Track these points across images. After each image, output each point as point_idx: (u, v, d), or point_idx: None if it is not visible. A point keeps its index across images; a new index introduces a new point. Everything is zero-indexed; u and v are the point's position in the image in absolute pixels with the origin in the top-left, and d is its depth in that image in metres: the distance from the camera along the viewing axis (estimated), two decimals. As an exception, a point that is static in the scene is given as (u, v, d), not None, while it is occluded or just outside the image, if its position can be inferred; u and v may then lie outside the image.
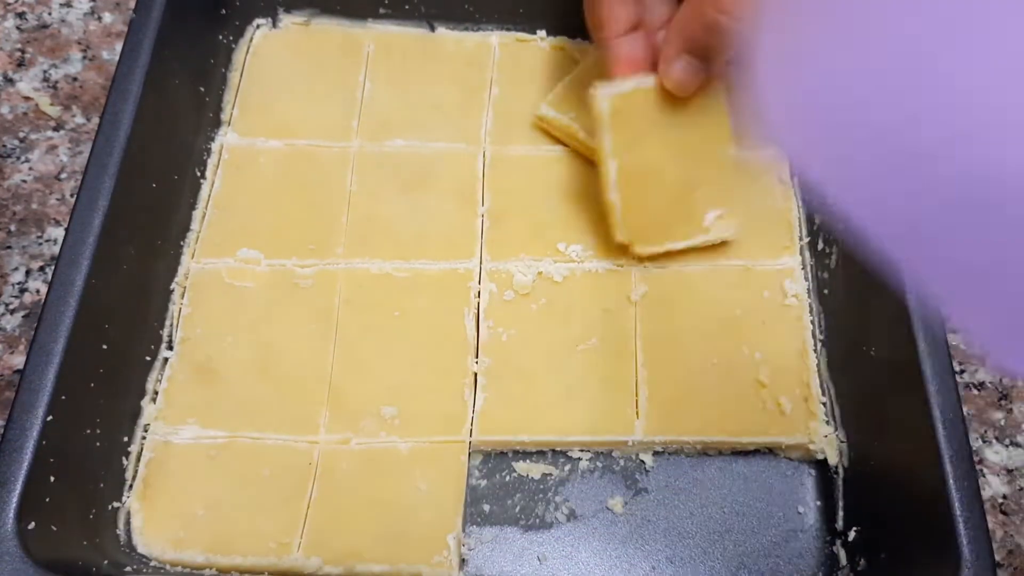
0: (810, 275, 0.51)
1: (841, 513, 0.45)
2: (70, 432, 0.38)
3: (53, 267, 0.41)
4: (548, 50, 0.59)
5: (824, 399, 0.47)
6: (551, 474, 0.46)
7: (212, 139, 0.53)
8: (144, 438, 0.44)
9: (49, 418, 0.37)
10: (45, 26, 0.59)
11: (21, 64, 0.58)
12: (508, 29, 0.59)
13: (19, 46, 0.58)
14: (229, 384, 0.46)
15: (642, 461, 0.46)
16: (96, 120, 0.54)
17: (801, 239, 0.53)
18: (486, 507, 0.45)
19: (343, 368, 0.47)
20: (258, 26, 0.57)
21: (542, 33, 0.59)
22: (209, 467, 0.43)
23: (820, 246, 0.51)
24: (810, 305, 0.50)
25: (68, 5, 0.60)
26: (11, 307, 0.50)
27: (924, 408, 0.40)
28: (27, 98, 0.56)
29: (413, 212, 0.52)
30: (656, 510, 0.45)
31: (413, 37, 0.59)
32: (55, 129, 0.55)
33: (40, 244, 0.52)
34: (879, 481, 0.43)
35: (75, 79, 0.57)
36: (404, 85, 0.57)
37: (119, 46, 0.47)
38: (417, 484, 0.44)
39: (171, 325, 0.47)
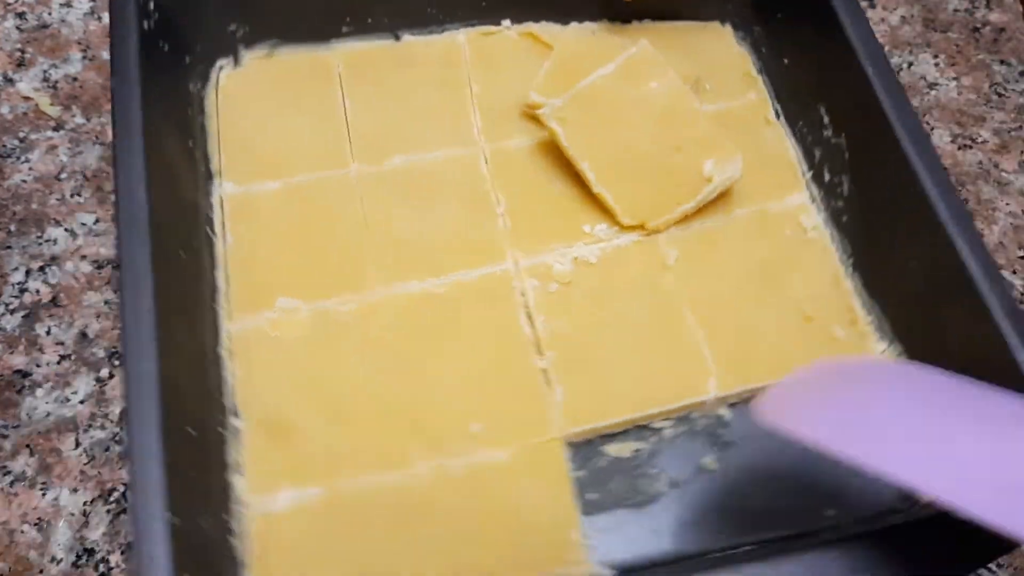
0: (822, 206, 0.54)
1: (913, 420, 0.47)
2: (189, 529, 0.36)
3: (121, 375, 0.38)
4: (516, 38, 0.58)
5: (871, 318, 0.50)
6: (640, 449, 0.47)
7: (210, 193, 0.51)
8: (244, 513, 0.42)
9: (174, 520, 0.35)
10: (45, 26, 0.59)
11: (21, 64, 0.58)
12: (472, 25, 0.58)
13: (19, 46, 0.59)
14: (308, 439, 0.44)
15: (720, 416, 0.48)
16: (96, 120, 0.56)
17: (804, 175, 0.55)
18: (591, 496, 0.46)
19: (416, 395, 0.46)
20: (221, 67, 0.55)
21: (507, 22, 0.58)
22: (318, 526, 0.42)
23: (827, 178, 0.53)
24: (830, 234, 0.53)
25: (68, 5, 0.60)
26: (11, 307, 0.50)
27: (979, 305, 0.43)
28: (27, 98, 0.57)
29: (433, 226, 0.51)
30: (747, 459, 0.47)
31: (380, 49, 0.57)
32: (55, 129, 0.55)
33: (40, 244, 0.52)
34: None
35: (75, 79, 0.57)
36: (384, 100, 0.56)
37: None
38: (525, 490, 0.44)
39: (231, 392, 0.45)
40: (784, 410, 0.37)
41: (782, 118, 0.57)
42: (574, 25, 0.59)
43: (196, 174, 0.50)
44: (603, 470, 0.46)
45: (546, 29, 0.59)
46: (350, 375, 0.46)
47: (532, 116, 0.55)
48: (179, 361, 0.41)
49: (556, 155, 0.54)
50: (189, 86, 0.52)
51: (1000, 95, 0.61)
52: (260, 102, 0.54)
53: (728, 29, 0.61)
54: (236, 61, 0.55)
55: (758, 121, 0.57)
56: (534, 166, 0.54)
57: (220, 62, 0.55)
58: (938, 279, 0.46)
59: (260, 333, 0.47)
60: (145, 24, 0.48)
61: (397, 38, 0.58)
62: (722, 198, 0.53)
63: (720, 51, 0.60)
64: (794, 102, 0.56)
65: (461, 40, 0.58)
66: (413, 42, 0.58)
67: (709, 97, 0.57)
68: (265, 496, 0.43)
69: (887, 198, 0.49)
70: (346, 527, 0.42)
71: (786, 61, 0.57)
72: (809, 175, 0.55)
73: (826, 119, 0.53)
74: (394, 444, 0.45)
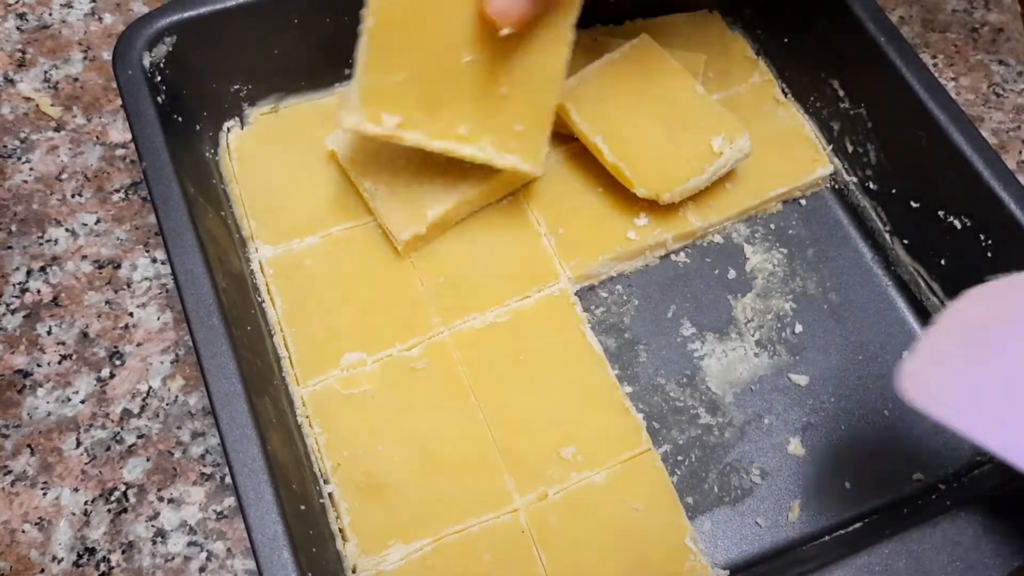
0: (848, 176, 0.55)
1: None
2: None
3: (226, 472, 0.37)
4: (518, 55, 0.58)
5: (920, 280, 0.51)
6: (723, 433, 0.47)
7: (249, 259, 0.49)
8: (361, 579, 0.41)
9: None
10: (46, 26, 0.59)
11: (22, 64, 0.58)
12: (472, 48, 0.58)
13: (20, 46, 0.59)
14: (403, 492, 0.44)
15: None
16: (97, 121, 0.55)
17: (824, 148, 0.56)
18: (690, 499, 0.46)
19: (501, 429, 0.46)
20: (228, 129, 0.53)
21: (504, 40, 0.58)
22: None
23: (850, 149, 0.54)
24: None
25: (69, 6, 0.60)
26: (12, 307, 0.50)
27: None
28: (28, 98, 0.57)
29: (480, 256, 0.51)
30: (830, 438, 0.48)
31: (385, 87, 0.56)
32: (56, 130, 0.56)
33: (41, 244, 0.52)
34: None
35: (76, 79, 0.58)
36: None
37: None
38: (631, 507, 0.44)
39: (319, 459, 0.44)
40: (926, 387, 0.34)
41: (790, 96, 0.58)
42: (572, 34, 0.59)
43: (234, 243, 0.49)
44: (695, 472, 0.47)
45: (545, 42, 0.58)
46: (430, 420, 0.46)
47: (553, 133, 0.55)
48: (274, 440, 0.40)
49: (582, 166, 0.54)
50: (205, 155, 0.51)
51: (998, 95, 0.61)
52: (275, 159, 0.53)
53: (717, 16, 0.61)
54: (242, 121, 0.54)
55: (768, 102, 0.58)
56: (564, 181, 0.54)
57: (227, 124, 0.53)
58: (989, 235, 0.47)
59: (332, 393, 0.46)
60: (159, 99, 0.47)
61: (400, 72, 0.57)
62: (750, 182, 0.54)
63: (716, 38, 0.60)
64: (801, 79, 0.57)
65: (464, 65, 0.57)
66: (417, 74, 0.57)
67: (714, 85, 0.58)
68: (376, 557, 0.42)
69: (920, 162, 0.50)
70: (461, 572, 0.42)
71: (786, 40, 0.58)
72: (830, 148, 0.56)
73: (841, 92, 0.54)
74: (490, 482, 0.44)
